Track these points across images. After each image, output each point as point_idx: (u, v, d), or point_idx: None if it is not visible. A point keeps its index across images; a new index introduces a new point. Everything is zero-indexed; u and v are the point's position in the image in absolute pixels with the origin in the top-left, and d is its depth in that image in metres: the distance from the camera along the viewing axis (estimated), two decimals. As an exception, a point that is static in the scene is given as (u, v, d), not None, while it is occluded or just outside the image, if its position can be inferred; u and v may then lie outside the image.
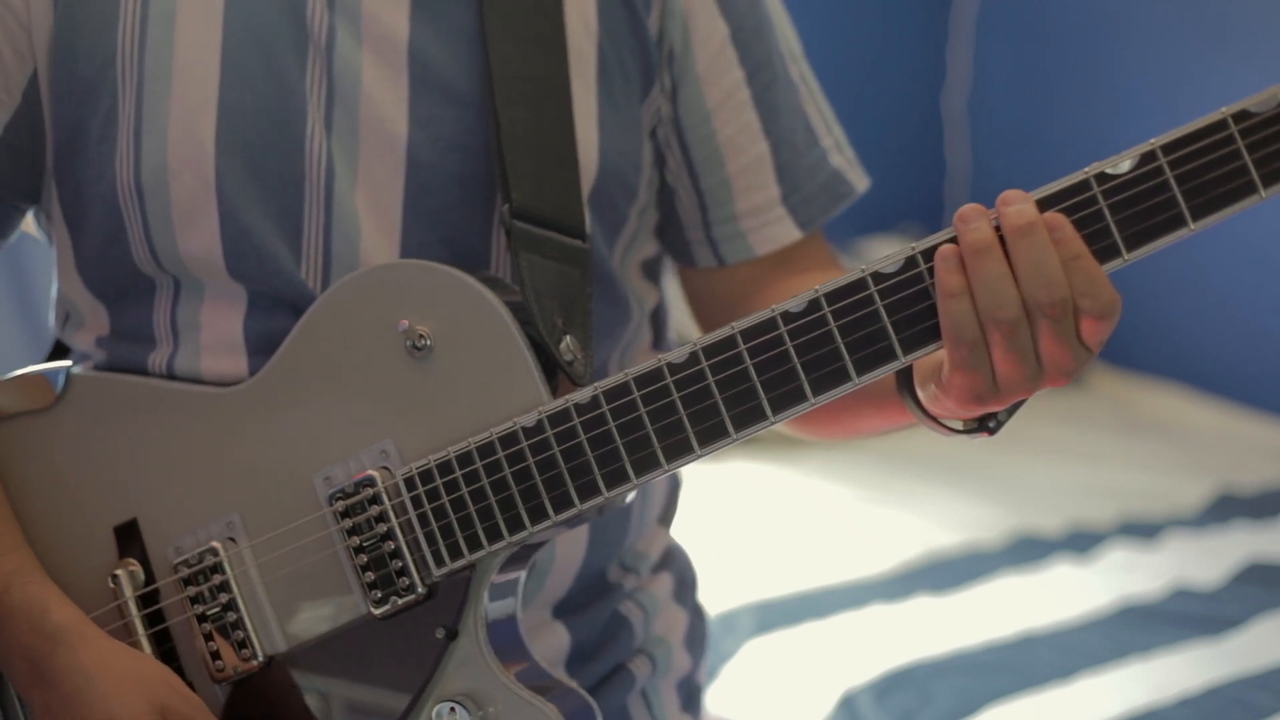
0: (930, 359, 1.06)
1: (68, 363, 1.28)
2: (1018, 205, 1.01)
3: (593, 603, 1.35)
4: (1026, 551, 2.83)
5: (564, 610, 1.33)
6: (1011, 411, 1.09)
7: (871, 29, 4.16)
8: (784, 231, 1.33)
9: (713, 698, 2.40)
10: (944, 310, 1.02)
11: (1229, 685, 2.29)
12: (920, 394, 1.09)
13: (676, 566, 1.46)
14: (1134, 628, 2.49)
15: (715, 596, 2.61)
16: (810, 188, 1.34)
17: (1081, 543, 2.86)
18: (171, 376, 1.25)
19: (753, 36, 1.31)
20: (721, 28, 1.30)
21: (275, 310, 1.22)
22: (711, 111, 1.31)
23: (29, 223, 1.34)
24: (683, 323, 1.47)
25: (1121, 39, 3.77)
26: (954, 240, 1.03)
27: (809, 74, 1.37)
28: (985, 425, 1.09)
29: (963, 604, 2.61)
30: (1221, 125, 0.99)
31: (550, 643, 1.32)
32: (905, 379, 1.10)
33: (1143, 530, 2.91)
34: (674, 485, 1.46)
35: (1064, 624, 2.53)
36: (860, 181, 1.37)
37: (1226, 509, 3.02)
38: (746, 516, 3.07)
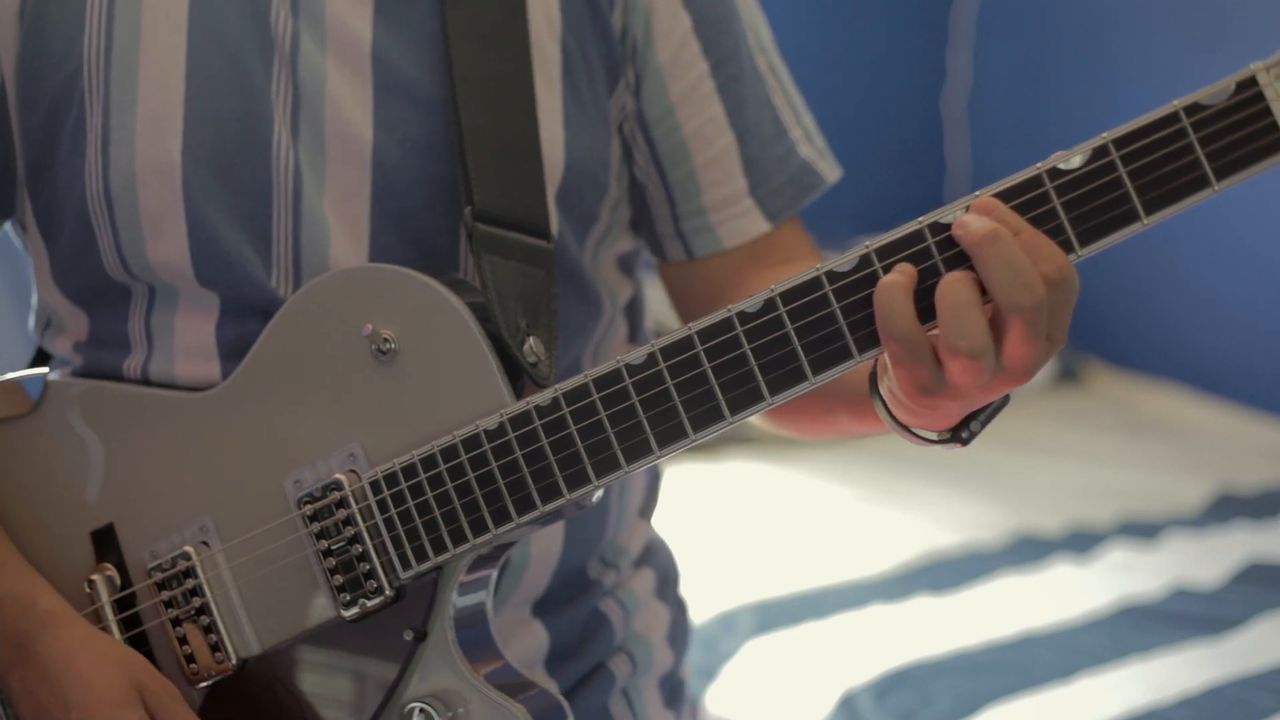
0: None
1: (45, 370, 1.29)
2: (975, 221, 0.99)
3: (572, 600, 1.35)
4: (1026, 551, 2.83)
5: (543, 609, 1.34)
6: (985, 422, 1.07)
7: (872, 30, 4.16)
8: (752, 224, 1.33)
9: (713, 698, 2.40)
10: (877, 302, 1.01)
11: (1229, 685, 2.29)
12: (882, 393, 1.08)
13: (658, 562, 1.46)
14: (1134, 628, 2.49)
15: (715, 596, 2.61)
16: (779, 179, 1.33)
17: (1081, 543, 2.86)
18: (146, 381, 1.26)
19: (717, 28, 1.31)
20: (684, 20, 1.30)
21: (247, 316, 1.23)
22: (675, 104, 1.30)
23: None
24: (664, 314, 1.46)
25: (1121, 39, 3.76)
26: (910, 239, 1.02)
27: (779, 64, 1.37)
28: (958, 435, 1.07)
29: (963, 604, 2.61)
30: (1174, 118, 0.98)
31: (529, 642, 1.32)
32: (875, 385, 1.09)
33: (1143, 530, 2.91)
34: (654, 477, 1.45)
35: (1064, 624, 2.53)
36: (831, 172, 1.36)
37: (1226, 509, 3.01)
38: (747, 516, 3.08)
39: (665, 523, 1.51)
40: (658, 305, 1.46)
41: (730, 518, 3.06)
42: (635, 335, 1.41)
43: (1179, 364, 3.76)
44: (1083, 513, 3.01)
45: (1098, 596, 2.62)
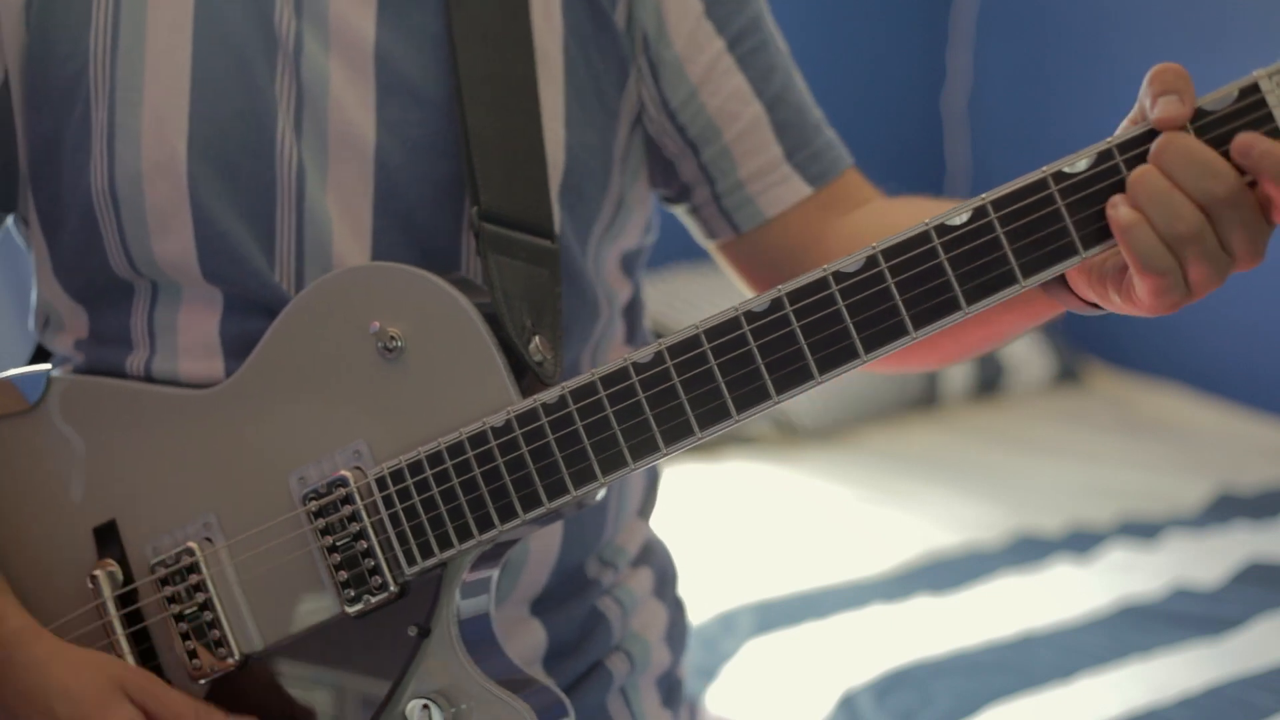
0: (1100, 271, 1.05)
1: (47, 366, 1.29)
2: (1122, 210, 0.99)
3: (570, 599, 1.35)
4: (1026, 551, 2.83)
5: (541, 607, 1.34)
6: None
7: (872, 30, 4.16)
8: (791, 190, 1.32)
9: (713, 698, 2.41)
10: (1128, 244, 0.99)
11: (1229, 685, 2.29)
12: (1092, 298, 1.07)
13: (656, 561, 1.46)
14: (1134, 628, 2.49)
15: (715, 596, 2.62)
16: (818, 144, 1.33)
17: (1081, 543, 2.86)
18: (149, 379, 1.26)
19: (730, 8, 1.31)
20: (695, 5, 1.30)
21: (251, 313, 1.23)
22: (697, 86, 1.30)
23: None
24: (665, 315, 1.46)
25: (1121, 39, 3.76)
26: (916, 240, 1.03)
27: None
28: None
29: (963, 604, 2.62)
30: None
31: (527, 640, 1.33)
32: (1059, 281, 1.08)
33: (1143, 530, 2.91)
34: (652, 477, 1.46)
35: (1064, 624, 2.53)
36: (848, 156, 1.37)
37: (1226, 509, 3.01)
38: (747, 516, 3.08)
39: (665, 523, 1.51)
40: (656, 306, 1.46)
41: (730, 518, 3.06)
42: (633, 336, 1.41)
43: (1179, 364, 3.76)
44: (1083, 513, 3.01)
45: (1098, 596, 2.62)
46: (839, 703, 2.32)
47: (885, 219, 1.28)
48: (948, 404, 3.69)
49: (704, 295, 3.46)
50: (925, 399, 3.66)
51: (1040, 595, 2.64)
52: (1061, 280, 1.07)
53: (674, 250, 1.49)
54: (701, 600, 2.58)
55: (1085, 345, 3.96)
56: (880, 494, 3.16)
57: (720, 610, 2.60)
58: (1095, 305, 1.08)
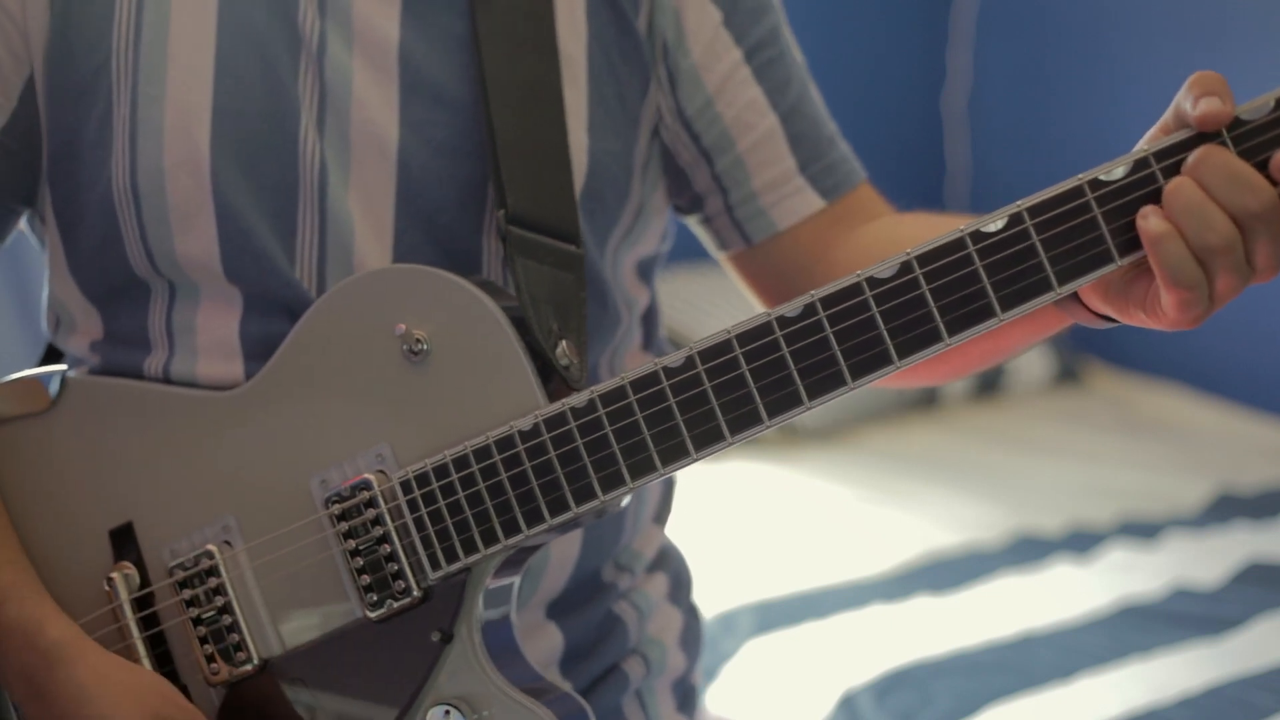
0: (1119, 285, 1.05)
1: (63, 367, 1.28)
2: (1153, 220, 0.99)
3: (586, 603, 1.35)
4: (1026, 551, 2.83)
5: (557, 610, 1.34)
6: None
7: (872, 30, 4.17)
8: (804, 202, 1.32)
9: (713, 698, 2.40)
10: (1158, 256, 0.99)
11: (1229, 685, 2.29)
12: (1110, 313, 1.07)
13: (672, 567, 1.46)
14: (1134, 628, 2.49)
15: (715, 596, 2.61)
16: (832, 156, 1.33)
17: (1081, 543, 2.86)
18: (168, 381, 1.25)
19: (748, 19, 1.31)
20: (714, 14, 1.30)
21: (271, 313, 1.22)
22: (713, 96, 1.30)
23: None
24: (678, 322, 1.46)
25: (1122, 39, 3.77)
26: (952, 246, 1.02)
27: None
28: None
29: (963, 604, 2.61)
30: (1213, 134, 0.98)
31: (543, 644, 1.32)
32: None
33: (1143, 530, 2.91)
34: (669, 484, 1.46)
35: (1064, 624, 2.53)
36: (862, 170, 1.37)
37: (1226, 509, 3.01)
38: (746, 516, 3.08)
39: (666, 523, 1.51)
40: (670, 313, 1.46)
41: (730, 518, 3.06)
42: (650, 344, 1.41)
43: (1179, 364, 3.77)
44: (1083, 513, 3.01)
45: (1098, 596, 2.62)
46: (839, 703, 2.32)
47: (896, 234, 1.28)
48: (948, 404, 3.69)
49: (704, 296, 3.45)
50: (925, 399, 3.67)
51: (1040, 595, 2.64)
52: (1073, 294, 1.07)
53: (675, 251, 1.49)
54: (702, 600, 2.57)
55: (1085, 345, 3.96)
56: (880, 494, 3.16)
57: (720, 610, 2.60)
58: (1105, 318, 1.07)
